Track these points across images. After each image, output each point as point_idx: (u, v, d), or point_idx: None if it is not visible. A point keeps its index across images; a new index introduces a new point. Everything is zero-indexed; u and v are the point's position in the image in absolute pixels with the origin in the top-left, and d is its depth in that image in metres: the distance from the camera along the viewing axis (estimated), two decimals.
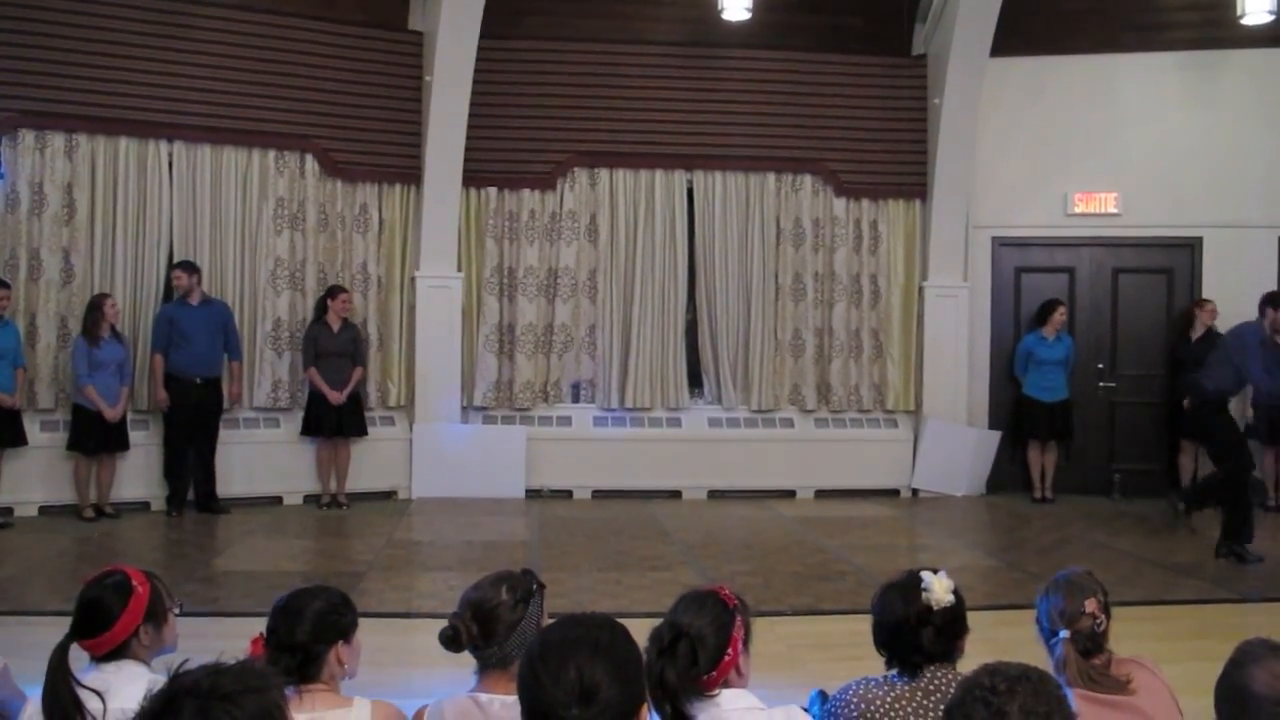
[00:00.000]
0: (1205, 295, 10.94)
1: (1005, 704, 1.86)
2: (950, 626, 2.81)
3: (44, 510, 9.26)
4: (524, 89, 10.76)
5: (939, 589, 2.80)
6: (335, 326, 10.00)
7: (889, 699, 2.76)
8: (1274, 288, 10.93)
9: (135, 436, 9.45)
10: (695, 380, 11.28)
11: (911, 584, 2.84)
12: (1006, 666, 1.96)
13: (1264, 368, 7.83)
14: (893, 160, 11.23)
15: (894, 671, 2.84)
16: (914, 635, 2.78)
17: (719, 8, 10.11)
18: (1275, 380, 7.96)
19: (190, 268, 9.57)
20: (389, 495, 10.50)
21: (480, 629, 2.76)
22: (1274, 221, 11.01)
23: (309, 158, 10.30)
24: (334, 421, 9.99)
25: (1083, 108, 11.17)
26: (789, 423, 11.21)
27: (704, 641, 2.57)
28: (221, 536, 8.80)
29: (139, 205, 9.70)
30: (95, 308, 9.10)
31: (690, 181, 11.13)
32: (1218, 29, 10.74)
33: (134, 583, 2.95)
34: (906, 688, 2.77)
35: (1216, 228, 11.09)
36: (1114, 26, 11.11)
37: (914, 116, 11.20)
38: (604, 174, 11.00)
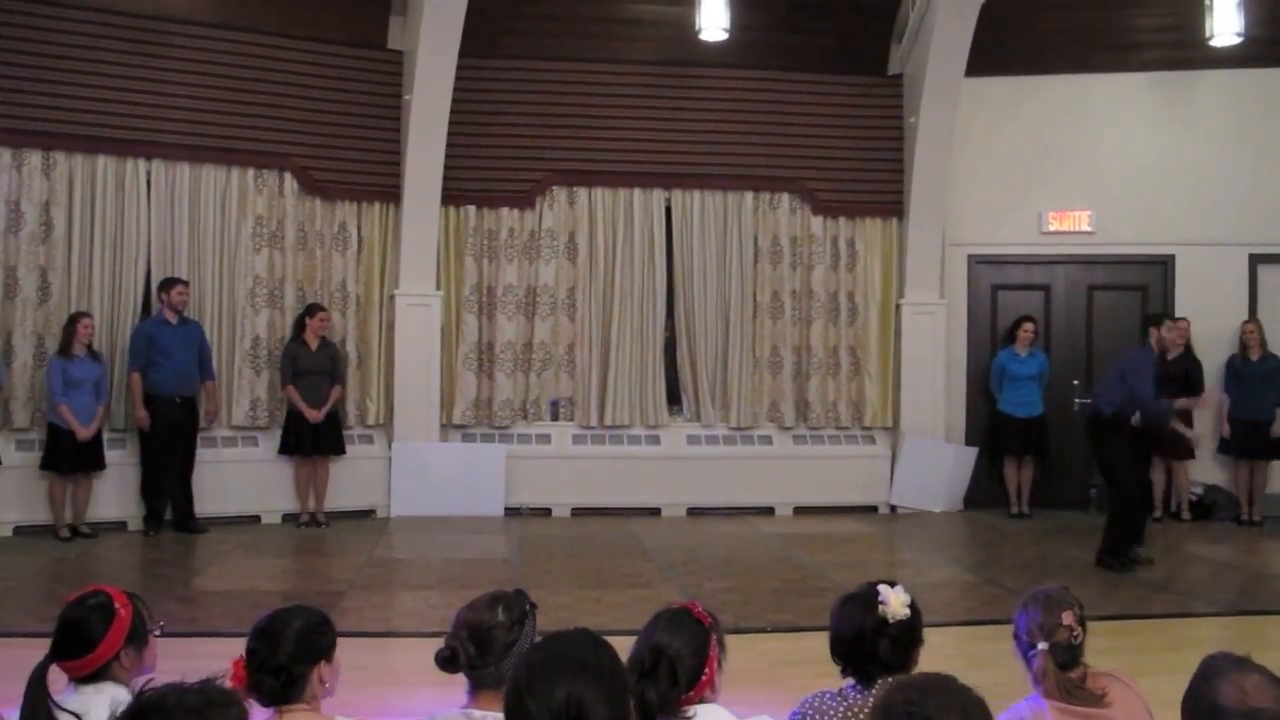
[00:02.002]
0: (1178, 312, 11.02)
1: (926, 710, 1.94)
2: (905, 637, 2.88)
3: (19, 530, 9.19)
4: (503, 108, 10.79)
5: (895, 602, 2.87)
6: (313, 345, 9.98)
7: (842, 710, 2.82)
8: (1245, 304, 11.13)
9: (112, 455, 9.38)
10: (674, 398, 11.29)
11: (869, 597, 2.90)
12: (910, 678, 2.09)
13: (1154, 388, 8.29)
14: (870, 179, 11.31)
15: (849, 684, 2.90)
16: (870, 646, 2.85)
17: (697, 28, 10.17)
18: (1162, 400, 8.42)
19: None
20: (368, 514, 10.47)
21: (477, 649, 2.78)
22: (1244, 239, 11.14)
23: (288, 176, 10.28)
24: (312, 440, 9.96)
25: (1057, 127, 11.28)
26: (767, 440, 11.24)
27: (682, 662, 2.62)
28: (200, 556, 8.75)
29: (117, 223, 9.66)
30: (70, 325, 9.06)
31: (669, 200, 11.17)
32: (1188, 50, 10.88)
33: (117, 604, 2.93)
34: (860, 698, 2.83)
35: (1188, 245, 11.21)
36: (1087, 47, 11.23)
37: (890, 135, 11.29)
38: (583, 193, 11.03)
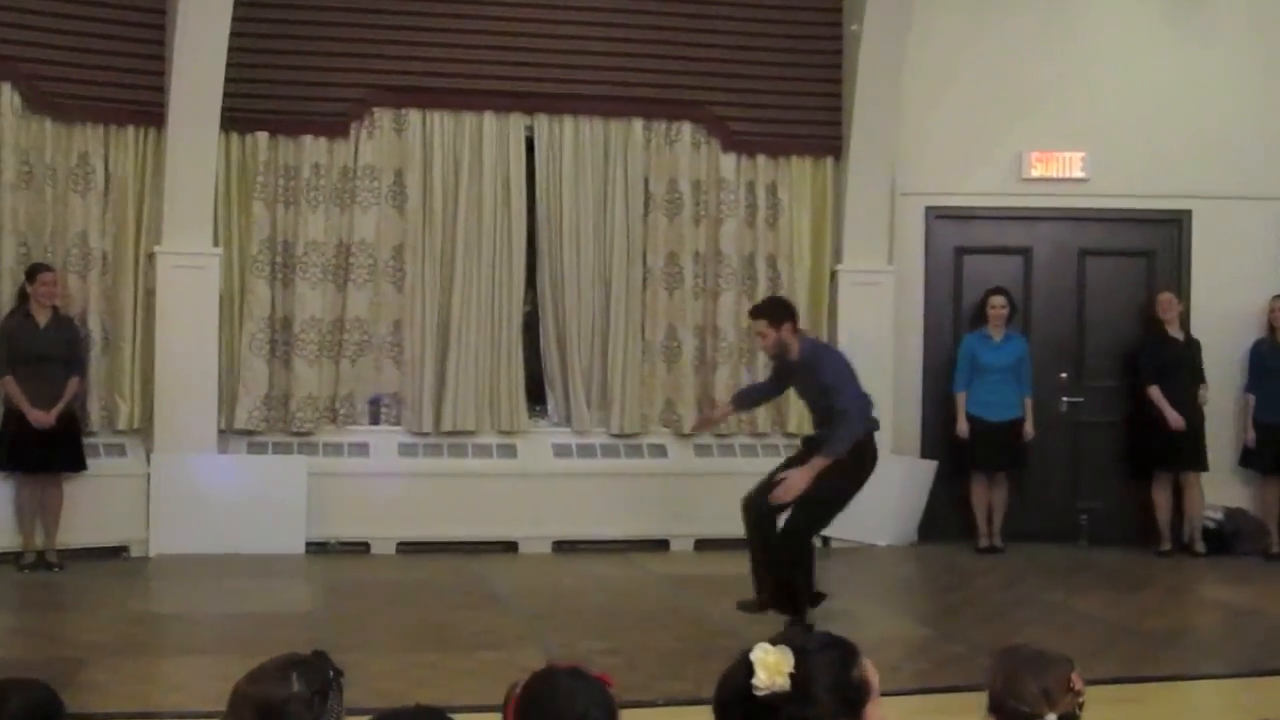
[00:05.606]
0: (1194, 282, 11.38)
1: None
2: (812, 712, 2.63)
3: None
4: (308, 5, 10.69)
5: (767, 670, 2.57)
6: (41, 320, 9.81)
7: None
8: (1278, 274, 11.49)
9: None
10: (536, 395, 11.34)
11: (742, 666, 2.64)
12: None
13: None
14: (798, 105, 11.44)
15: None
16: None
17: None
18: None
19: None
20: (118, 552, 10.34)
21: None
22: (1277, 192, 11.50)
23: (6, 88, 10.07)
24: (41, 452, 9.78)
25: (1040, 45, 11.51)
26: (661, 451, 11.33)
27: None
28: None
29: None
30: None
31: (531, 129, 11.19)
32: None
33: None
34: None
35: (1207, 199, 11.54)
36: None
37: (826, 49, 11.44)
38: (414, 117, 10.99)
